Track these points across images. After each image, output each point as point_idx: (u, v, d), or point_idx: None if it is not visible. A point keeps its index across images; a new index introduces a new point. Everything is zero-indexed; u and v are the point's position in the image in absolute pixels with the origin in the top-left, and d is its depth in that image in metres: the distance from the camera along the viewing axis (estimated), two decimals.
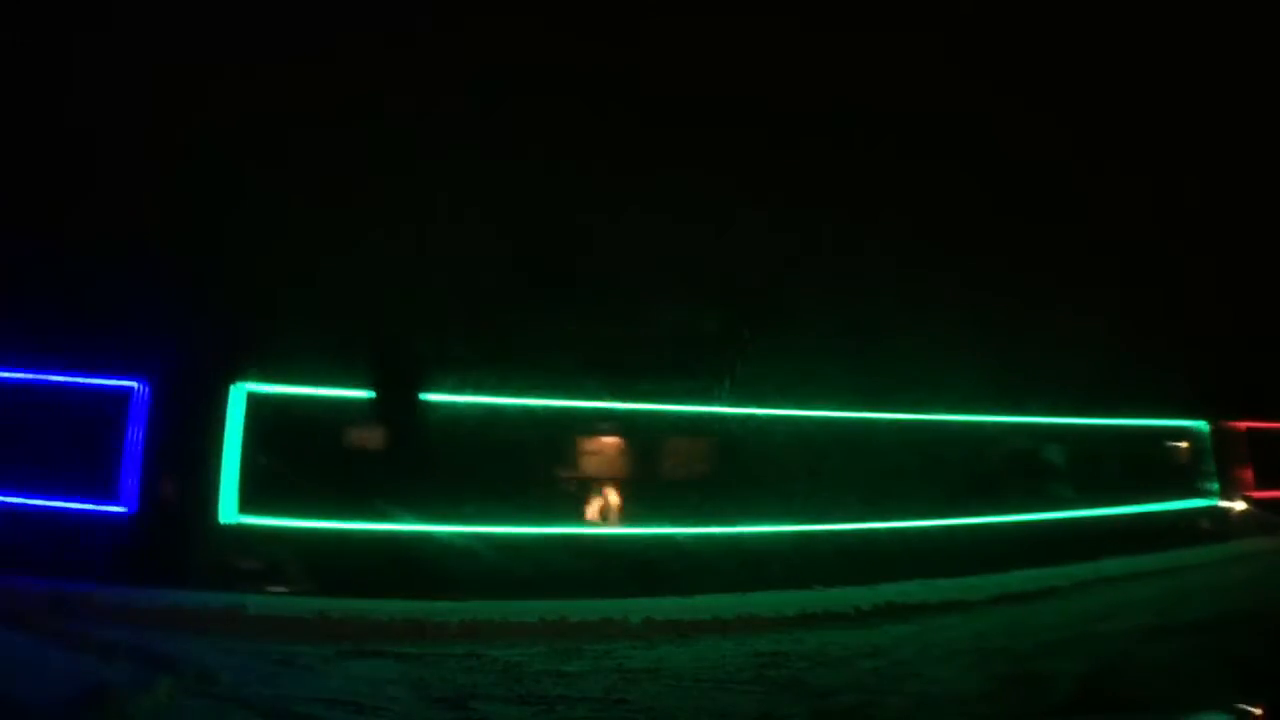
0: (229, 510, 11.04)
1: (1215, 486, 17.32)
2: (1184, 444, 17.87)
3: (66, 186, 11.46)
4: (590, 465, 13.24)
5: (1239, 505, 17.14)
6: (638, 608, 10.27)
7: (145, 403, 11.13)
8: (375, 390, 11.76)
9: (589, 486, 13.06)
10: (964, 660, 8.51)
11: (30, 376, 10.92)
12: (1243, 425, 17.70)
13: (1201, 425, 17.76)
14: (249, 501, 11.09)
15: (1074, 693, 6.69)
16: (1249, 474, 17.41)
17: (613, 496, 12.97)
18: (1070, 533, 14.46)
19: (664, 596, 10.87)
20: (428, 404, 11.98)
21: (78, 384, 11.08)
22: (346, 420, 12.03)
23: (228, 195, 11.75)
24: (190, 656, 6.94)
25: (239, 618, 9.06)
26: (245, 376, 11.32)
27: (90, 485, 10.84)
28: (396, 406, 11.83)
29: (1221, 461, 17.51)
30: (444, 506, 11.42)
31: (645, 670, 7.87)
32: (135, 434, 11.07)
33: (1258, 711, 3.74)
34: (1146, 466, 16.86)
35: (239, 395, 11.27)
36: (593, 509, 12.91)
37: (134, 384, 11.18)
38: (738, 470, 13.47)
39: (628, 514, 12.90)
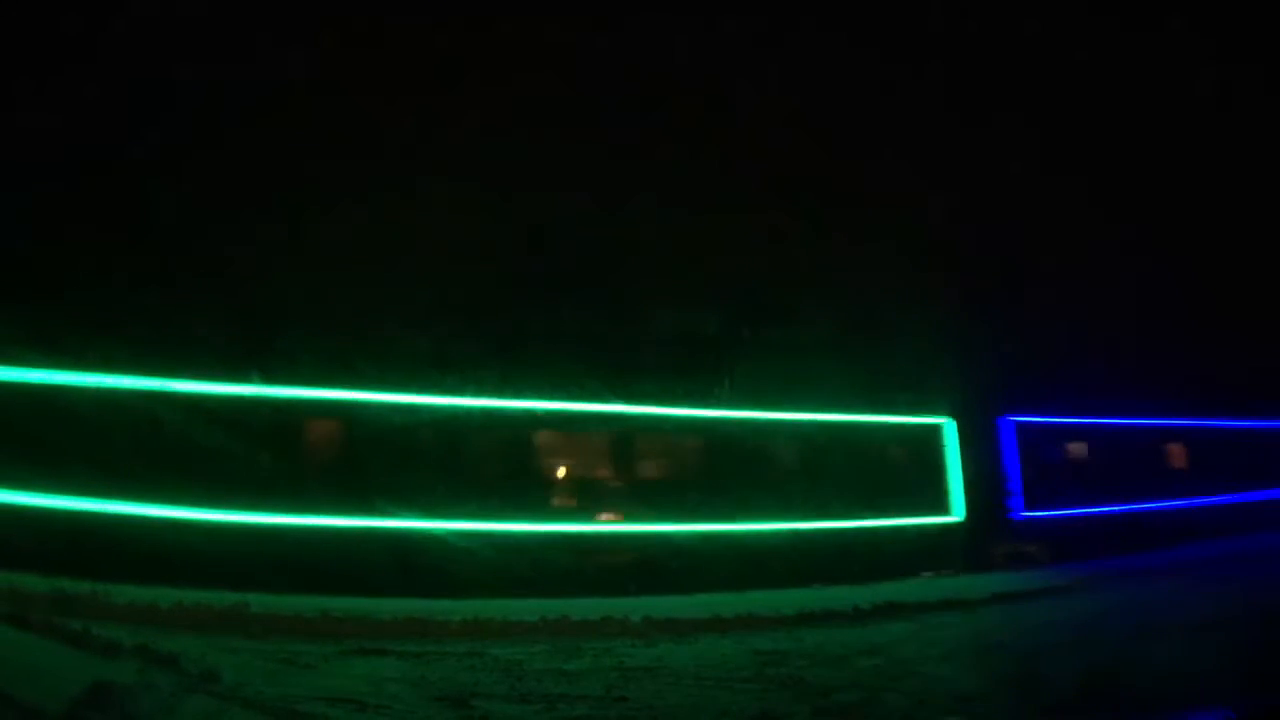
0: (1019, 509, 15.85)
1: None
2: None
3: None
4: None
5: None
6: (638, 607, 10.30)
7: (956, 435, 15.41)
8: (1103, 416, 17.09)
9: None
10: (963, 659, 8.54)
11: (853, 419, 14.63)
12: None
13: None
14: (1031, 502, 15.92)
15: (1073, 693, 6.70)
16: None
17: None
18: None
19: (664, 595, 10.93)
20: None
21: (905, 424, 15.19)
22: (1085, 439, 17.13)
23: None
24: (193, 655, 6.95)
25: (242, 616, 9.06)
26: (1014, 410, 16.19)
27: (926, 502, 14.95)
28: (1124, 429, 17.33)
29: None
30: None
31: (645, 669, 7.88)
32: (953, 460, 15.32)
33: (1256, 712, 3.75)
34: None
35: (1009, 425, 16.19)
36: None
37: (945, 420, 15.37)
38: (736, 470, 13.59)
39: None
